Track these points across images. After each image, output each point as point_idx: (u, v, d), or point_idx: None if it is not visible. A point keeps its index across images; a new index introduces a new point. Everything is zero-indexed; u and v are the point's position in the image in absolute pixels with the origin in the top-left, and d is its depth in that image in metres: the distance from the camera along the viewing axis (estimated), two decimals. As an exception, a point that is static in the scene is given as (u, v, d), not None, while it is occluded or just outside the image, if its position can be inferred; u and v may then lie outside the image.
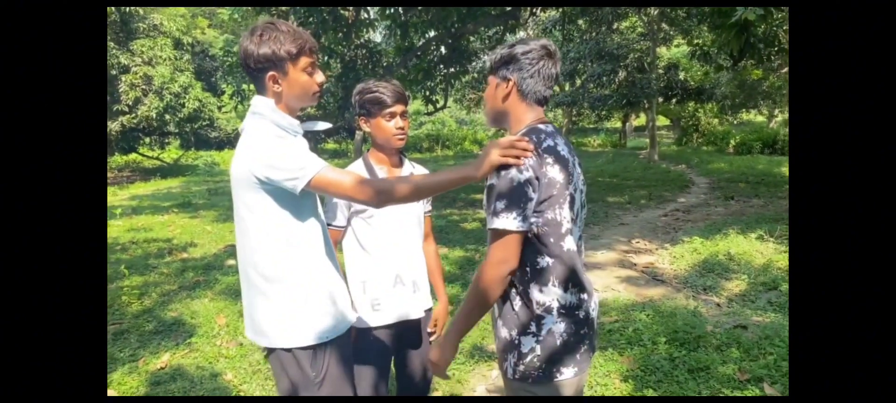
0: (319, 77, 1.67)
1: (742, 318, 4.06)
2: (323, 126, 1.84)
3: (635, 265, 5.99)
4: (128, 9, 18.33)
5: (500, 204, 1.45)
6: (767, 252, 5.82)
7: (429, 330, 2.23)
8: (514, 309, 1.56)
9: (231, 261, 6.26)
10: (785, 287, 4.71)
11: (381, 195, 1.58)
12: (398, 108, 2.07)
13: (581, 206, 1.61)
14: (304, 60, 1.62)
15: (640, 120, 27.23)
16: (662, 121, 26.45)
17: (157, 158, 23.82)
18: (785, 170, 14.09)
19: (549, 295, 1.52)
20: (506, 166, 1.46)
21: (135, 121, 19.24)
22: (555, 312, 1.53)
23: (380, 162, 2.14)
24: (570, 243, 1.54)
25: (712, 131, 23.57)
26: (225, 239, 7.61)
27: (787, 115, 22.46)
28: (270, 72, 1.60)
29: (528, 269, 1.53)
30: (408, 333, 2.18)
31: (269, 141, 1.58)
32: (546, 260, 1.52)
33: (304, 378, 1.66)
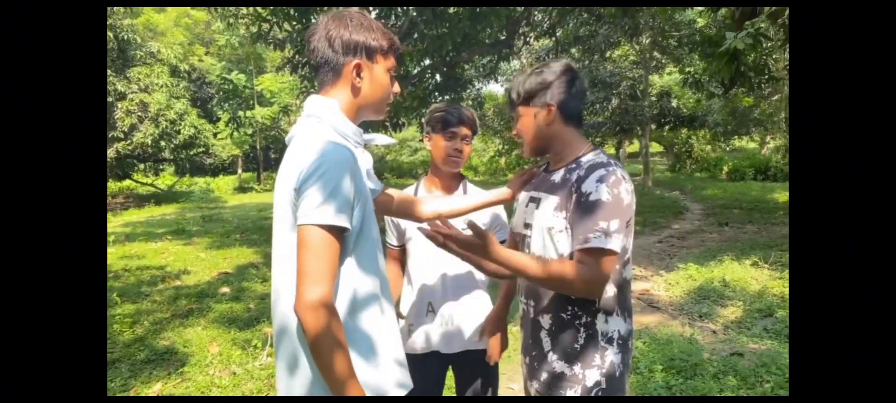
0: (396, 87, 1.48)
1: (738, 345, 4.05)
2: (385, 140, 1.60)
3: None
4: (126, 37, 18.48)
5: (615, 224, 1.39)
6: (762, 278, 5.83)
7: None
8: (577, 342, 1.48)
9: (224, 289, 6.21)
10: (780, 313, 4.71)
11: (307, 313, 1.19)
12: (460, 131, 2.00)
13: None
14: (391, 60, 1.44)
15: (633, 146, 27.41)
16: (656, 147, 26.64)
17: (151, 185, 23.74)
18: (778, 196, 14.17)
19: (614, 325, 1.48)
20: (604, 178, 1.41)
21: (130, 147, 19.25)
22: (615, 343, 1.48)
23: (431, 183, 2.10)
24: (628, 272, 1.52)
25: (705, 158, 23.76)
26: (219, 266, 7.56)
27: (778, 142, 22.68)
28: (357, 61, 1.37)
29: (596, 298, 1.45)
30: (439, 367, 2.07)
31: (328, 150, 1.25)
32: (612, 289, 1.45)
33: None
